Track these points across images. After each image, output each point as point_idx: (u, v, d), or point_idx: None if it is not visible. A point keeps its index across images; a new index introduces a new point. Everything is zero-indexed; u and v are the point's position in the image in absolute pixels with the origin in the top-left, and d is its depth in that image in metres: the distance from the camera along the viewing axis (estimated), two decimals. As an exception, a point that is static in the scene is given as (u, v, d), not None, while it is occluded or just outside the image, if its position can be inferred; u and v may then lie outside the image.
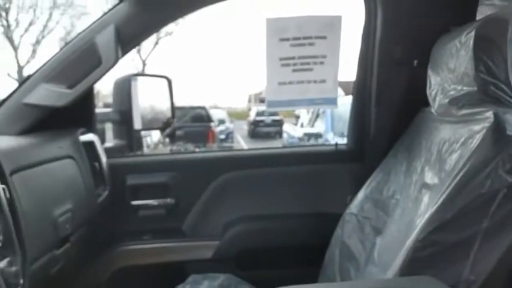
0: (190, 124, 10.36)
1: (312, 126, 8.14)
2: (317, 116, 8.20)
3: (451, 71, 1.17)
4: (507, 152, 0.95)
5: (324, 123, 7.46)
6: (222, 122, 13.60)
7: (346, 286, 1.09)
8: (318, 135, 7.13)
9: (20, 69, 18.42)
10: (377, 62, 1.49)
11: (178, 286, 1.39)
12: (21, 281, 0.91)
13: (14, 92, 1.38)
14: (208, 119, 11.29)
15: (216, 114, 13.11)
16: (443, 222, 0.97)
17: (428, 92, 1.28)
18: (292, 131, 9.44)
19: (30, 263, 0.96)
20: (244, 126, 20.29)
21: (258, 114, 18.30)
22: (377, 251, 1.29)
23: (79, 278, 1.43)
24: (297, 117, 10.38)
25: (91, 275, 1.48)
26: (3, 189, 0.92)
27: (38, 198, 1.08)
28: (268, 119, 18.15)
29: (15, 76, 18.29)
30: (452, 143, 1.12)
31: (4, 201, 0.90)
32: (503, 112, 1.01)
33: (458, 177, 0.99)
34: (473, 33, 1.06)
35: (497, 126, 0.99)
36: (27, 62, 18.68)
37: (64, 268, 1.18)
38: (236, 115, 24.64)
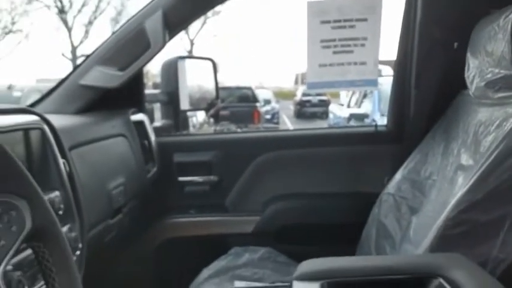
0: (236, 104, 10.45)
1: (359, 106, 8.06)
2: (364, 96, 8.11)
3: (489, 54, 1.17)
4: (542, 134, 0.97)
5: (371, 103, 7.37)
6: (267, 102, 13.63)
7: (378, 260, 1.14)
8: (364, 116, 7.05)
9: (74, 49, 19.09)
10: (417, 44, 1.49)
11: (221, 257, 1.48)
12: (80, 245, 1.01)
13: (70, 74, 1.48)
14: (254, 99, 11.34)
15: (262, 94, 13.15)
16: (474, 201, 1.00)
17: (466, 74, 1.29)
18: (339, 111, 9.36)
19: (88, 230, 1.06)
20: (291, 106, 20.25)
21: (305, 94, 18.18)
22: (412, 230, 1.32)
23: (130, 246, 1.54)
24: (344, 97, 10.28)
25: (141, 245, 1.60)
26: (64, 163, 1.02)
27: (94, 172, 1.18)
28: (314, 99, 18.02)
29: (69, 56, 18.99)
30: (488, 125, 1.14)
31: (64, 174, 1.00)
32: (539, 95, 1.02)
33: (491, 159, 1.01)
34: (511, 16, 1.06)
35: (533, 109, 1.00)
36: (81, 42, 19.33)
37: (117, 237, 1.29)
38: (282, 95, 24.61)
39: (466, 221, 1.00)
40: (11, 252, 0.47)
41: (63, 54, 19.26)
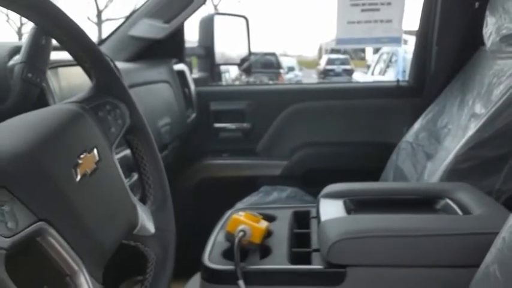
0: (260, 70, 10.55)
1: (383, 75, 8.09)
2: (388, 65, 8.12)
3: (506, 11, 1.28)
4: (546, 82, 1.09)
5: (394, 72, 7.41)
6: (291, 69, 13.69)
7: (393, 184, 1.28)
8: (387, 84, 7.08)
9: (99, 13, 19.23)
10: (440, 4, 1.60)
11: (252, 194, 1.64)
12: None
13: (121, 26, 1.63)
14: (278, 65, 11.42)
15: (285, 62, 13.19)
16: (482, 139, 1.13)
17: (484, 31, 1.40)
18: (362, 79, 9.39)
19: None
20: (314, 75, 20.17)
21: (329, 63, 18.07)
22: (426, 173, 1.46)
23: (172, 182, 1.71)
24: (368, 66, 10.28)
25: (181, 182, 1.77)
26: None
27: (146, 110, 1.33)
28: (338, 68, 17.90)
29: (94, 19, 19.14)
30: (501, 76, 1.26)
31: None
32: (547, 47, 1.13)
33: (500, 103, 1.14)
34: None
35: (540, 59, 1.12)
36: (106, 6, 19.43)
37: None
38: (306, 64, 24.46)
39: (474, 157, 1.14)
40: (118, 139, 0.63)
41: (88, 18, 19.43)
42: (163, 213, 0.67)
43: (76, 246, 0.48)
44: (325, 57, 19.57)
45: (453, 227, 0.81)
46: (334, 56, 17.31)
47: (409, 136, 1.61)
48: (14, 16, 16.31)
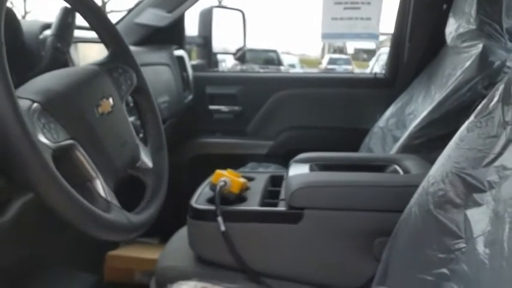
0: (261, 66, 10.76)
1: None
2: (384, 65, 8.30)
3: (464, 13, 1.48)
4: (486, 73, 1.29)
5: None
6: (292, 66, 13.88)
7: (353, 154, 1.48)
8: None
9: (104, 4, 19.42)
10: (412, 6, 1.80)
11: (240, 168, 1.85)
12: None
13: (127, 14, 1.83)
14: (279, 62, 11.61)
15: (287, 60, 13.38)
16: (433, 120, 1.34)
17: (446, 30, 1.60)
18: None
19: None
20: (315, 74, 20.29)
21: (330, 62, 18.27)
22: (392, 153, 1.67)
23: (169, 156, 1.92)
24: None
25: (177, 156, 1.97)
26: None
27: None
28: (340, 68, 18.11)
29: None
30: (458, 69, 1.46)
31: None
32: (490, 45, 1.34)
33: (449, 89, 1.34)
34: None
35: (483, 54, 1.33)
36: (109, -2, 19.61)
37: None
38: (308, 62, 24.65)
39: (424, 134, 1.34)
40: (127, 95, 0.84)
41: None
42: (159, 154, 0.88)
43: (95, 160, 0.68)
44: (327, 57, 19.80)
45: (389, 181, 1.01)
46: (335, 55, 17.50)
47: (381, 122, 1.81)
48: (19, 4, 16.51)
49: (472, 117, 0.88)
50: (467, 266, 0.79)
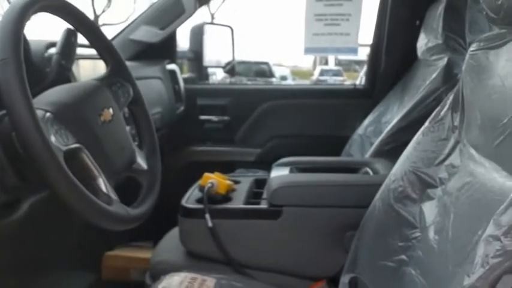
0: (252, 78, 10.91)
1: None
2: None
3: (432, 28, 1.62)
4: (450, 84, 1.42)
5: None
6: (284, 78, 14.03)
7: (331, 158, 1.59)
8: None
9: (96, 17, 19.53)
10: (388, 22, 1.94)
11: (229, 174, 1.96)
12: None
13: (122, 31, 1.96)
14: (271, 74, 11.77)
15: (279, 71, 13.55)
16: (402, 127, 1.47)
17: (418, 44, 1.74)
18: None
19: None
20: (306, 85, 20.47)
21: (322, 73, 18.47)
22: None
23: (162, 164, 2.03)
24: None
25: (170, 164, 2.07)
26: None
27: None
28: (331, 80, 18.31)
29: (92, 24, 19.33)
30: (426, 80, 1.59)
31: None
32: (454, 58, 1.47)
33: (418, 98, 1.48)
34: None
35: (448, 67, 1.46)
36: (103, 11, 19.72)
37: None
38: (300, 74, 24.87)
39: (394, 140, 1.47)
40: (124, 106, 0.96)
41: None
42: (152, 157, 1.00)
43: (98, 161, 0.79)
44: (318, 68, 20.03)
45: (357, 180, 1.14)
46: (326, 67, 17.71)
47: (360, 130, 1.94)
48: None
49: (427, 123, 1.01)
50: (422, 252, 0.92)
